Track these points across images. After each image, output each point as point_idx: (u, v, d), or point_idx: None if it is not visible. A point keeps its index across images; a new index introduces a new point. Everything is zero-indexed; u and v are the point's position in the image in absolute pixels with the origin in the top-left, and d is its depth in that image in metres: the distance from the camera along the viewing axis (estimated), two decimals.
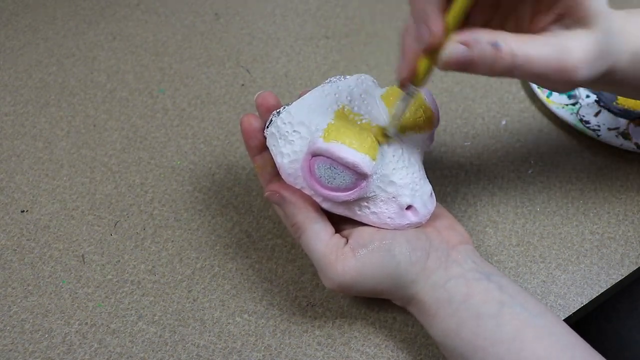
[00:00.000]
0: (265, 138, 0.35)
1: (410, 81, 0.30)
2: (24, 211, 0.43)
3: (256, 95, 0.36)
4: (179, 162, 0.47)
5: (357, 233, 0.34)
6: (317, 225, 0.33)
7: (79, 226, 0.42)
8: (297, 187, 0.34)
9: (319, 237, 0.33)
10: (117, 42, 0.57)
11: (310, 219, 0.34)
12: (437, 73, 0.53)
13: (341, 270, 0.32)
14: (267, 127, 0.34)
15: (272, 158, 0.34)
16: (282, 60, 0.55)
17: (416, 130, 0.33)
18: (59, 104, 0.51)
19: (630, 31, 0.31)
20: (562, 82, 0.29)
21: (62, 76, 0.53)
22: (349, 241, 0.33)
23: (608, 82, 0.32)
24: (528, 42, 0.28)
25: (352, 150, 0.30)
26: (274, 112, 0.34)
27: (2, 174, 0.46)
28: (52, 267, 0.40)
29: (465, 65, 0.27)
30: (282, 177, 0.34)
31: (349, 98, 0.34)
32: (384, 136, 0.33)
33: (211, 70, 0.54)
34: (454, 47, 0.27)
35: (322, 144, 0.30)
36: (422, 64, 0.29)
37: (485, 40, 0.27)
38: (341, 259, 0.32)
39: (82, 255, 0.41)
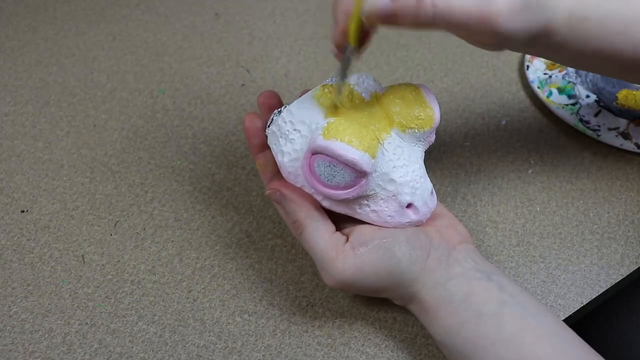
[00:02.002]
0: (267, 137, 0.35)
1: (344, 41, 0.31)
2: (24, 211, 0.43)
3: (259, 93, 0.36)
4: (179, 162, 0.47)
5: (358, 231, 0.34)
6: (318, 223, 0.34)
7: (79, 226, 0.42)
8: (298, 185, 0.34)
9: (320, 234, 0.33)
10: (117, 42, 0.57)
11: (311, 217, 0.34)
12: (437, 73, 0.53)
13: (341, 267, 0.32)
14: (269, 125, 0.34)
15: (274, 157, 0.35)
16: (282, 60, 0.55)
17: (417, 127, 0.33)
18: (59, 104, 0.51)
19: None
20: (486, 33, 0.29)
21: (62, 76, 0.53)
22: (349, 239, 0.33)
23: (548, 45, 0.31)
24: None
25: (351, 147, 0.30)
26: (275, 110, 0.34)
27: (2, 174, 0.46)
28: (52, 267, 0.40)
29: (388, 18, 0.28)
30: (283, 175, 0.34)
31: (350, 97, 0.34)
32: (336, 108, 0.33)
33: (211, 70, 0.54)
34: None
35: (321, 142, 0.30)
36: (352, 21, 0.30)
37: None
38: (341, 256, 0.32)
39: (82, 255, 0.41)
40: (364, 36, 0.32)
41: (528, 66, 0.53)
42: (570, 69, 0.52)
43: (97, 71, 0.54)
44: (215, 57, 0.55)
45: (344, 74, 0.32)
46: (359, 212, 0.34)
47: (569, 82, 0.51)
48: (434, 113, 0.33)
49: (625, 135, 0.47)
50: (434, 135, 0.34)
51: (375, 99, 0.34)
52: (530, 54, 0.36)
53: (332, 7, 0.32)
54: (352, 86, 0.34)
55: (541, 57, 0.35)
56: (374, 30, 0.33)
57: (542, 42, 0.31)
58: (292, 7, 0.61)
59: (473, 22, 0.28)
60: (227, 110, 0.51)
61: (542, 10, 0.29)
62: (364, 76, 0.35)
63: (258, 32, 0.58)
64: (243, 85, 0.53)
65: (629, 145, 0.46)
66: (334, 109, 0.33)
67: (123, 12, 0.60)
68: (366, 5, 0.28)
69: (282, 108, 0.34)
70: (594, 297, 0.39)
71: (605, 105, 0.50)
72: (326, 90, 0.34)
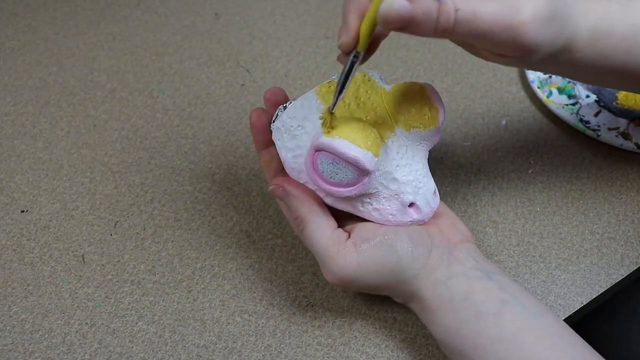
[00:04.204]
0: (272, 132, 0.35)
1: (354, 45, 0.28)
2: (24, 211, 0.43)
3: (265, 90, 0.36)
4: (179, 162, 0.47)
5: (360, 228, 0.34)
6: (320, 219, 0.33)
7: (79, 226, 0.42)
8: (301, 181, 0.34)
9: (322, 230, 0.33)
10: (117, 42, 0.57)
11: (313, 212, 0.34)
12: (437, 73, 0.53)
13: (343, 263, 0.32)
14: (274, 121, 0.34)
15: (278, 153, 0.35)
16: (282, 60, 0.55)
17: (422, 127, 0.33)
18: (59, 104, 0.51)
19: (590, 6, 0.30)
20: (511, 43, 0.27)
21: (62, 76, 0.53)
22: (351, 235, 0.33)
23: (567, 62, 0.30)
24: None
25: (354, 146, 0.30)
26: (280, 106, 0.34)
27: (2, 174, 0.46)
28: (52, 267, 0.40)
29: (406, 22, 0.25)
30: (287, 171, 0.34)
31: (355, 95, 0.34)
32: (331, 115, 0.31)
33: (211, 70, 0.54)
34: (395, 0, 0.25)
35: (324, 139, 0.30)
36: (364, 24, 0.28)
37: None
38: (343, 252, 0.32)
39: (82, 255, 0.41)
40: (373, 42, 0.30)
41: None
42: None
43: (97, 71, 0.54)
44: (215, 57, 0.55)
45: (345, 80, 0.30)
46: (361, 210, 0.34)
47: (569, 82, 0.51)
48: (439, 113, 0.33)
49: (625, 135, 0.47)
50: (439, 135, 0.34)
51: (380, 97, 0.34)
52: (546, 72, 0.34)
53: (343, 7, 0.29)
54: (367, 75, 0.34)
55: (557, 74, 0.34)
56: (384, 36, 0.30)
57: (562, 58, 0.30)
58: (292, 7, 0.61)
59: (498, 30, 0.26)
60: (227, 110, 0.51)
61: (566, 24, 0.28)
62: (371, 74, 0.35)
63: (258, 32, 0.58)
64: (243, 85, 0.53)
65: (629, 145, 0.46)
66: (328, 114, 0.32)
67: (123, 12, 0.60)
68: (383, 6, 0.25)
69: (288, 104, 0.34)
70: (594, 297, 0.39)
71: (605, 105, 0.50)
72: (332, 87, 0.34)
